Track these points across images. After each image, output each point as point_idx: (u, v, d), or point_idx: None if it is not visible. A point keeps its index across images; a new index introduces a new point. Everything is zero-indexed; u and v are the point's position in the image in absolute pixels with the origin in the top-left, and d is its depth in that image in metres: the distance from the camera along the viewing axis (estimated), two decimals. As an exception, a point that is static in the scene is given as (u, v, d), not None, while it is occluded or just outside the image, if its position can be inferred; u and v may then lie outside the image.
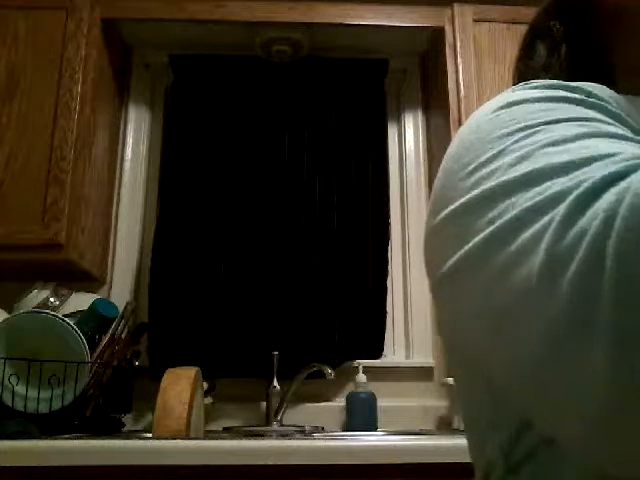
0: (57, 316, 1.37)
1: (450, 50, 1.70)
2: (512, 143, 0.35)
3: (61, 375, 1.33)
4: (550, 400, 0.29)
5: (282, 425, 1.60)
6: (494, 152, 0.35)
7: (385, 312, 1.77)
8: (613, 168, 0.29)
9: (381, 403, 1.65)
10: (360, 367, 1.67)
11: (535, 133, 0.34)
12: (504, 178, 0.33)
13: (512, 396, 0.33)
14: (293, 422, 1.64)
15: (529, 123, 0.35)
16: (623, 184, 0.27)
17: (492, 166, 0.34)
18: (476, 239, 0.33)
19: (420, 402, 1.71)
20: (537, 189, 0.31)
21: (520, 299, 0.29)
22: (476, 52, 1.69)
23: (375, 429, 1.61)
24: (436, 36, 1.79)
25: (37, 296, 1.51)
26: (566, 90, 0.38)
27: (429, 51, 1.92)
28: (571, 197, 0.29)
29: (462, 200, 0.35)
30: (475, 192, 0.34)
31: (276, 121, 1.85)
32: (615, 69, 0.50)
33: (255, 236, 1.76)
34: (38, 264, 1.56)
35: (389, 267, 1.82)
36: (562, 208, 0.29)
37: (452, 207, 0.36)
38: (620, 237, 0.25)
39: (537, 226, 0.29)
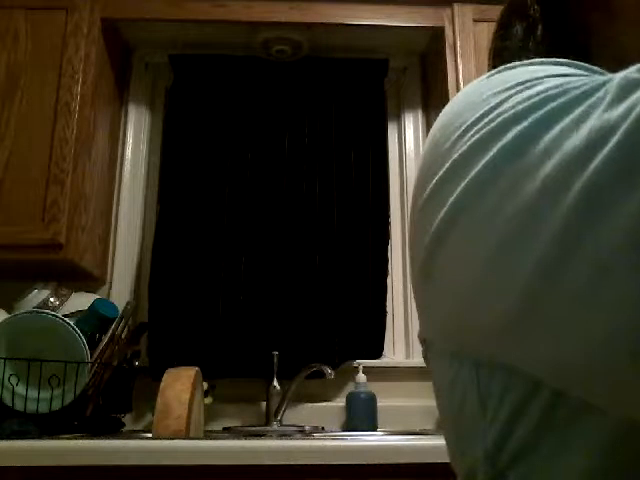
0: (57, 316, 1.37)
1: (450, 50, 1.70)
2: (510, 96, 0.30)
3: (61, 375, 1.33)
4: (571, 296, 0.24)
5: (282, 425, 1.59)
6: (491, 105, 0.31)
7: (385, 312, 1.77)
8: None
9: (381, 403, 1.65)
10: (360, 367, 1.67)
11: (535, 85, 0.30)
12: (507, 115, 0.29)
13: (520, 345, 0.28)
14: (293, 422, 1.64)
15: (527, 78, 0.31)
16: None
17: (491, 115, 0.30)
18: (477, 168, 0.28)
19: (420, 402, 1.71)
20: (554, 104, 0.27)
21: (535, 201, 0.25)
22: (476, 52, 1.69)
23: (375, 429, 1.61)
24: (436, 36, 1.79)
25: (37, 296, 1.51)
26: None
27: (429, 51, 1.92)
28: (614, 82, 0.25)
29: (455, 155, 0.30)
30: (473, 139, 0.30)
31: (276, 121, 1.85)
32: (591, 54, 0.47)
33: (255, 236, 1.76)
34: (38, 264, 1.56)
35: (389, 266, 1.82)
36: (611, 88, 0.25)
37: (442, 170, 0.31)
38: None
39: (568, 119, 0.26)
